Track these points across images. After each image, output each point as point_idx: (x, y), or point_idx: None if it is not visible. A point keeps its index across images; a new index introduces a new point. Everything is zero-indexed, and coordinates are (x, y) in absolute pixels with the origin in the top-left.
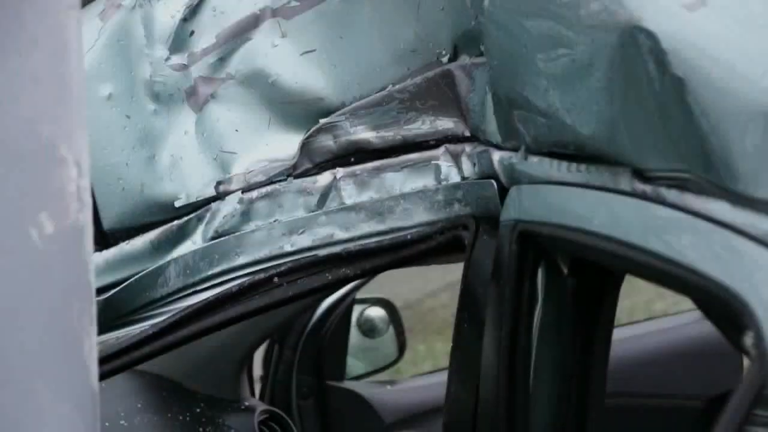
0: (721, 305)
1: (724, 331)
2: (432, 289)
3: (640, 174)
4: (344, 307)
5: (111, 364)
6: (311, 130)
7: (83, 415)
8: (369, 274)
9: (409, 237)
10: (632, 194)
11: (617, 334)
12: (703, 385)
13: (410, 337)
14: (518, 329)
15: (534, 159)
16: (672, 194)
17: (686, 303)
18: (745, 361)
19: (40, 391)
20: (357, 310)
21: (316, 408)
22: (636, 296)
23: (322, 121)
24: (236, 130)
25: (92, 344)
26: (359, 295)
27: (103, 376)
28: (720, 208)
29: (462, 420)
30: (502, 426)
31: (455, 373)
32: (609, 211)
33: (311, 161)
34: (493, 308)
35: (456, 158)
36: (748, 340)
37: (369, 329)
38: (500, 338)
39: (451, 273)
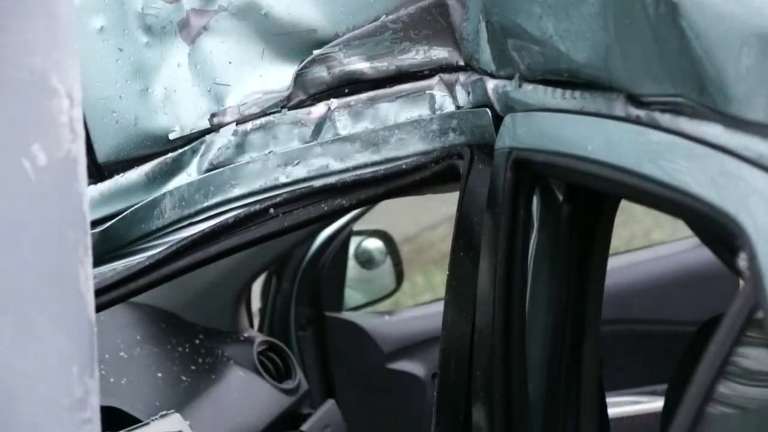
0: (715, 228)
1: (718, 253)
2: (430, 222)
3: (634, 99)
4: (341, 239)
5: (108, 295)
6: (305, 62)
7: (80, 344)
8: (364, 205)
9: (404, 167)
10: (626, 119)
11: (615, 261)
12: (700, 311)
13: (409, 269)
14: (514, 256)
15: (528, 87)
16: (666, 118)
17: (684, 231)
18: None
19: (37, 321)
20: (354, 241)
21: (315, 339)
22: (634, 226)
23: (316, 52)
24: (229, 62)
25: (88, 274)
26: (356, 227)
27: (100, 308)
28: (714, 132)
29: (459, 348)
30: (499, 353)
31: (451, 302)
32: (603, 137)
33: (305, 93)
34: (489, 236)
35: (450, 87)
36: (742, 261)
37: (366, 260)
38: (496, 266)
39: (449, 206)
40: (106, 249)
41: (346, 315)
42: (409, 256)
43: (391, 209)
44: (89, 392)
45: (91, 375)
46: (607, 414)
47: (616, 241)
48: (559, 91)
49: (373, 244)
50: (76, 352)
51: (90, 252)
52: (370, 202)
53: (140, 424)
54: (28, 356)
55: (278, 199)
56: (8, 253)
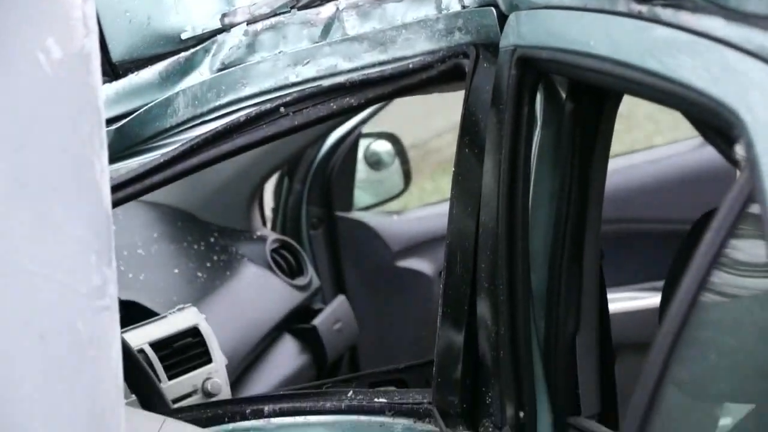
0: (715, 120)
1: (716, 145)
2: (437, 129)
3: None
4: (351, 141)
5: (125, 191)
6: None
7: (98, 234)
8: (372, 104)
9: (410, 66)
10: (629, 15)
11: (616, 163)
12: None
13: (417, 175)
14: (517, 153)
15: None
16: (667, 13)
17: (684, 136)
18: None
19: (55, 211)
20: (363, 144)
21: (326, 237)
22: (637, 131)
23: None
24: None
25: (103, 166)
26: (365, 130)
27: (117, 203)
28: (715, 25)
29: (464, 242)
30: (503, 247)
31: (457, 198)
32: (606, 33)
33: None
34: (493, 133)
35: None
36: (739, 150)
37: (375, 162)
38: (500, 162)
39: (456, 114)
40: (122, 146)
41: (355, 215)
42: (417, 162)
43: (398, 116)
44: (107, 281)
45: (108, 264)
46: (607, 306)
47: (618, 146)
48: None
49: (382, 147)
50: (93, 241)
51: (105, 145)
52: (378, 101)
53: (158, 317)
54: (47, 245)
55: (288, 98)
56: (25, 146)
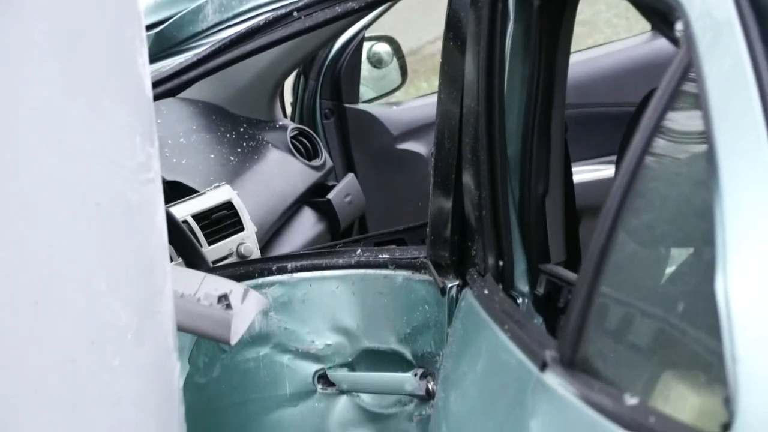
0: (659, 5)
1: (661, 29)
2: (430, 37)
3: None
4: (356, 44)
5: (165, 86)
6: None
7: (141, 119)
8: (372, 7)
9: None
10: None
11: (581, 56)
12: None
13: (414, 77)
14: (494, 45)
15: None
16: None
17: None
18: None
19: (103, 101)
20: (366, 46)
21: (337, 125)
22: (597, 35)
23: None
24: None
25: (144, 62)
26: (367, 34)
27: (160, 96)
28: None
29: (450, 121)
30: (483, 124)
31: (444, 84)
32: None
33: None
34: (473, 28)
35: None
36: (678, 28)
37: (377, 61)
38: (479, 53)
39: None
40: (160, 48)
41: (361, 106)
42: (413, 66)
43: (395, 27)
44: (151, 157)
45: (151, 144)
46: (571, 172)
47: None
48: None
49: (382, 48)
50: (138, 125)
51: (145, 44)
52: (377, 5)
53: (198, 193)
54: (100, 129)
55: (300, 4)
56: (79, 47)
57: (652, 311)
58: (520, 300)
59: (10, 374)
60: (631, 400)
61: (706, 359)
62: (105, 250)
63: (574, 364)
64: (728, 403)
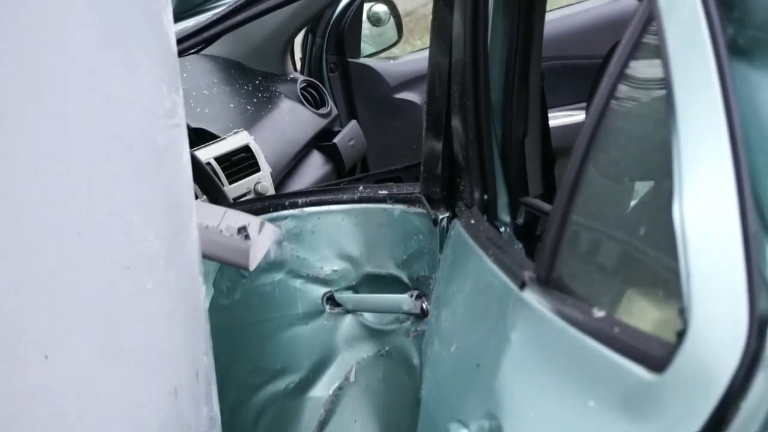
0: None
1: None
2: (423, 0)
3: None
4: (357, 4)
5: (188, 42)
6: None
7: (167, 69)
8: None
9: None
10: None
11: (556, 14)
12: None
13: (409, 35)
14: (478, 3)
15: None
16: None
17: None
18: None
19: (135, 53)
20: (366, 6)
21: (341, 77)
22: None
23: None
24: None
25: (169, 19)
26: None
27: (184, 51)
28: None
29: (440, 71)
30: (468, 77)
31: (434, 39)
32: None
33: None
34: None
35: None
36: None
37: (376, 20)
38: (465, 11)
39: None
40: (184, 8)
41: (362, 60)
42: (408, 25)
43: None
44: (176, 105)
45: (177, 93)
46: (547, 117)
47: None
48: None
49: (380, 8)
50: (164, 75)
51: (170, 4)
52: None
53: (219, 138)
54: (132, 79)
55: None
56: (110, 3)
57: (617, 236)
58: (502, 229)
59: (59, 296)
60: (599, 314)
61: (664, 276)
62: (137, 187)
63: (549, 283)
64: (683, 313)
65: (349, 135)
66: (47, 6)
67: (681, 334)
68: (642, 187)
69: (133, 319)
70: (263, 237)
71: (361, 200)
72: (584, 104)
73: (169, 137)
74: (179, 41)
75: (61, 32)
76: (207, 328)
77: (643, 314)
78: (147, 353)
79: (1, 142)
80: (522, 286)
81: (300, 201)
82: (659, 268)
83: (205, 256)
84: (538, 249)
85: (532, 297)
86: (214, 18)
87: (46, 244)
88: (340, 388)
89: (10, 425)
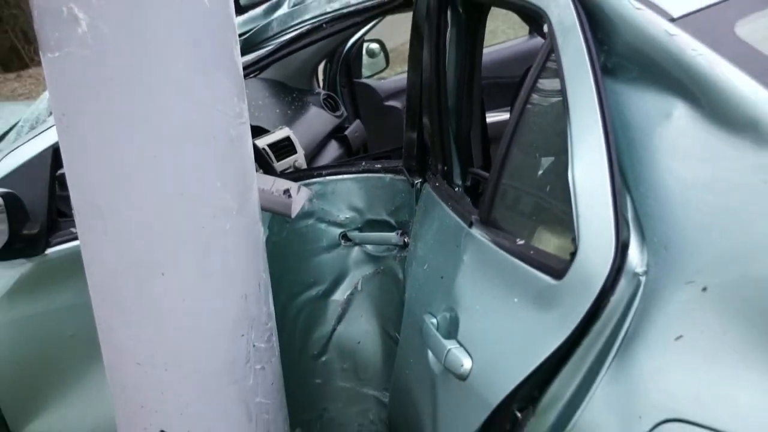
0: (536, 15)
1: (537, 29)
2: (402, 41)
3: None
4: (359, 44)
5: (249, 69)
6: None
7: (237, 86)
8: (370, 20)
9: (387, 0)
10: None
11: (489, 49)
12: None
13: (393, 63)
14: (439, 43)
15: None
16: None
17: (519, 34)
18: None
19: (216, 74)
20: (365, 45)
21: (349, 91)
22: (498, 38)
23: None
24: None
25: (238, 52)
26: (366, 38)
27: (246, 75)
28: None
29: (415, 87)
30: (433, 90)
31: (410, 67)
32: None
33: None
34: (427, 32)
35: None
36: (546, 28)
37: (371, 53)
38: (431, 47)
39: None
40: (247, 47)
41: (363, 80)
42: (392, 57)
43: (381, 34)
44: (243, 110)
45: (243, 102)
46: (485, 117)
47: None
48: None
49: (374, 45)
50: (235, 90)
51: (238, 43)
52: (372, 19)
53: (270, 132)
54: (215, 91)
55: (326, 18)
56: (200, 41)
57: (531, 192)
58: (457, 189)
59: (171, 234)
60: (520, 242)
61: (562, 217)
62: (218, 164)
63: (487, 223)
64: (574, 241)
65: (354, 129)
66: (163, 45)
67: (573, 254)
68: (547, 160)
69: (218, 249)
70: (300, 196)
71: (363, 171)
72: (509, 107)
73: (238, 131)
74: (243, 68)
75: (171, 62)
76: (264, 255)
77: (548, 242)
78: (227, 271)
79: (134, 135)
80: (470, 225)
81: (323, 172)
82: (559, 212)
83: (263, 209)
84: (480, 201)
85: (476, 232)
86: (265, 53)
87: (163, 200)
88: (351, 294)
89: (142, 318)
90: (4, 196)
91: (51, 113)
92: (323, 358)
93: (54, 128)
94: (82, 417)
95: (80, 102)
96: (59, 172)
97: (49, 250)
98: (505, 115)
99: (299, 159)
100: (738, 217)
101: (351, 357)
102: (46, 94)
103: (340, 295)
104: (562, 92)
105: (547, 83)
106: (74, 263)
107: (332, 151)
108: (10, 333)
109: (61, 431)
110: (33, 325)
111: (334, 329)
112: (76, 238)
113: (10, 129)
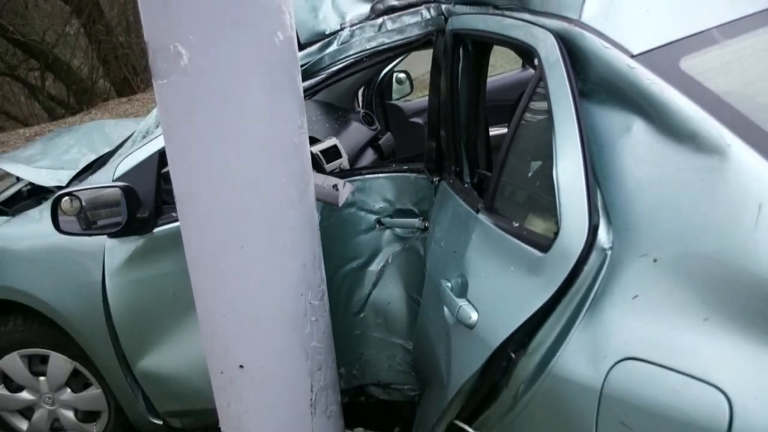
0: (527, 51)
1: (529, 62)
2: (424, 71)
3: (496, 7)
4: (390, 73)
5: (308, 92)
6: (372, 4)
7: (299, 105)
8: (400, 55)
9: (413, 39)
10: (494, 14)
11: (492, 79)
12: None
13: (417, 89)
14: (454, 74)
15: (458, 6)
16: (510, 12)
17: (513, 66)
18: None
19: (284, 95)
20: (395, 74)
21: (382, 110)
22: (497, 70)
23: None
24: (350, 4)
25: (300, 79)
26: (396, 69)
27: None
28: (525, 16)
29: (435, 109)
30: (447, 111)
31: (431, 91)
32: (485, 21)
33: (374, 13)
34: (444, 66)
35: (428, 9)
36: (536, 61)
37: (399, 81)
38: (447, 76)
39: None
40: (305, 75)
41: (393, 102)
42: (416, 85)
43: (408, 65)
44: (303, 123)
45: (303, 116)
46: (488, 130)
47: (492, 70)
48: (468, 7)
49: (402, 75)
50: (297, 107)
51: (299, 72)
52: (401, 54)
53: (321, 141)
54: (282, 108)
55: (366, 53)
56: (272, 71)
57: (525, 187)
58: (466, 185)
59: (246, 217)
60: (516, 224)
61: (548, 206)
62: (284, 164)
63: (490, 210)
64: (557, 223)
65: (386, 140)
66: (244, 74)
67: (556, 234)
68: (536, 163)
69: (283, 229)
70: (345, 190)
71: (393, 171)
72: (506, 124)
73: (299, 139)
74: (303, 91)
75: (250, 86)
76: (318, 234)
77: (538, 224)
78: (290, 245)
79: (221, 142)
80: (477, 211)
81: (363, 172)
82: (545, 202)
83: (316, 199)
84: (484, 194)
85: (482, 217)
86: (319, 80)
87: (243, 191)
88: (383, 266)
89: (226, 281)
90: (124, 188)
91: (158, 125)
92: (361, 315)
93: (160, 137)
94: (180, 354)
95: (182, 117)
96: (164, 170)
97: (156, 230)
98: (503, 130)
99: (344, 162)
100: (679, 207)
101: (383, 314)
102: (153, 112)
103: (374, 266)
104: (549, 111)
105: (537, 104)
106: (175, 239)
107: (369, 156)
108: (128, 291)
109: (165, 365)
110: (144, 285)
111: (370, 293)
112: (176, 220)
113: (127, 139)
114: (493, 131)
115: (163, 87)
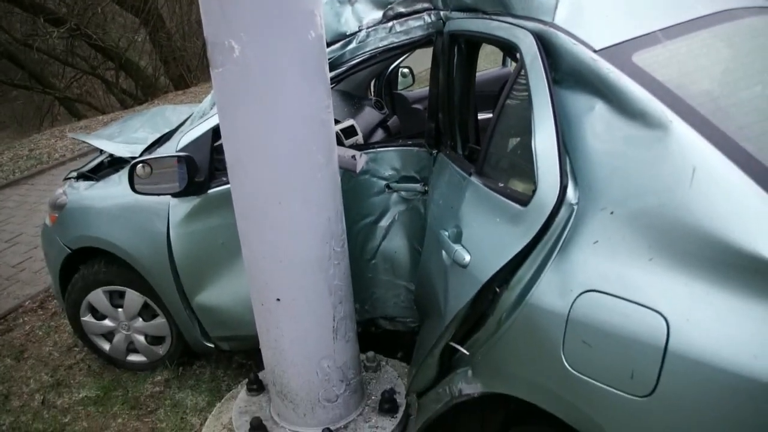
0: (511, 48)
1: (512, 56)
2: (425, 67)
3: (485, 12)
4: (396, 68)
5: (332, 81)
6: (384, 10)
7: (326, 92)
8: (405, 53)
9: (417, 40)
10: (483, 18)
11: (480, 73)
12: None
13: (418, 81)
14: (450, 69)
15: (454, 13)
16: (494, 17)
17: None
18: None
19: (316, 83)
20: (400, 69)
21: (389, 98)
22: (483, 67)
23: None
24: (364, 9)
25: (327, 70)
26: (402, 65)
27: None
28: (509, 19)
29: (435, 96)
30: (445, 98)
31: (431, 82)
32: (476, 23)
33: (386, 18)
34: (442, 63)
35: (429, 14)
36: (518, 56)
37: (404, 75)
38: (444, 69)
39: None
40: (330, 67)
41: (398, 91)
42: (418, 78)
43: (412, 62)
44: (329, 104)
45: (329, 98)
46: (477, 115)
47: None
48: (462, 13)
49: (406, 70)
50: (325, 92)
51: (327, 64)
52: (406, 52)
53: (341, 122)
54: (314, 93)
55: (379, 50)
56: (305, 65)
57: (508, 156)
58: (459, 154)
59: (284, 178)
60: (500, 184)
61: (528, 171)
62: (314, 136)
63: (481, 173)
64: (534, 184)
65: (393, 122)
66: (284, 64)
67: (533, 192)
68: (518, 136)
69: (313, 188)
70: (361, 159)
71: (400, 146)
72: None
73: (326, 117)
74: (332, 78)
75: (289, 74)
76: (340, 194)
77: (519, 185)
78: (319, 203)
79: (265, 118)
80: (470, 174)
81: (375, 146)
82: (526, 168)
83: (339, 167)
84: (475, 162)
85: (474, 179)
86: (341, 72)
87: (281, 157)
88: (391, 222)
89: (267, 230)
90: (185, 157)
91: (212, 107)
92: (373, 262)
93: (213, 117)
94: (228, 290)
95: (233, 98)
96: (216, 143)
97: (210, 191)
98: (488, 115)
99: (359, 139)
100: (631, 170)
101: (390, 261)
102: (207, 97)
103: (384, 222)
104: (528, 95)
105: (519, 90)
106: (225, 199)
107: (379, 134)
108: (187, 240)
109: (216, 299)
110: (200, 235)
111: (380, 244)
112: (226, 184)
113: (187, 119)
114: (481, 115)
115: (219, 75)
